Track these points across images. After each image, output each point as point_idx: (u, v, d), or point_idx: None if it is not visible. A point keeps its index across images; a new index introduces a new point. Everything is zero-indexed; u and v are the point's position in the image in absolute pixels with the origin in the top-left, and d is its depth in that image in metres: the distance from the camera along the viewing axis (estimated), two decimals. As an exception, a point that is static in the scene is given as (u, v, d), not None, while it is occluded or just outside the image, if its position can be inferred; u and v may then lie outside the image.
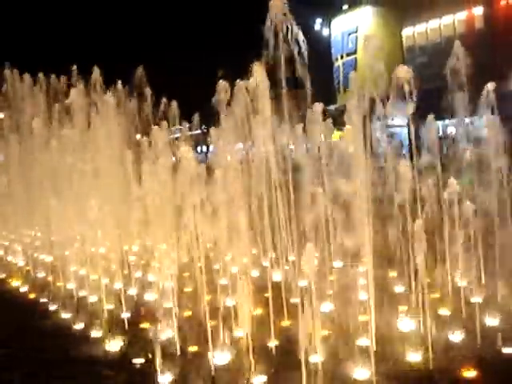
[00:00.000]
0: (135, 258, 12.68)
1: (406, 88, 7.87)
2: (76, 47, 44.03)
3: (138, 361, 7.43)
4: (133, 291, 10.48)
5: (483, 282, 8.64)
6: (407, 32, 42.86)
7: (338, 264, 10.35)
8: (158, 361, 6.85)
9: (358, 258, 7.70)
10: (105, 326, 8.78)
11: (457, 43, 10.15)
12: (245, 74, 9.41)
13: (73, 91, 13.45)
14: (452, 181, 7.98)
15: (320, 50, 46.23)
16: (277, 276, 9.82)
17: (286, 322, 8.02)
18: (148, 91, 16.48)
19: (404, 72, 7.85)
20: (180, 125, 16.44)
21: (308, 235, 10.14)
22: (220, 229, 11.10)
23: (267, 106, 8.93)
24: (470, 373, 6.30)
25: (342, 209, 10.24)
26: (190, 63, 47.67)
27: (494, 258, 8.30)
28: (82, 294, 10.70)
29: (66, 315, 9.66)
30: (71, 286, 11.20)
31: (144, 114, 16.21)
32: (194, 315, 7.96)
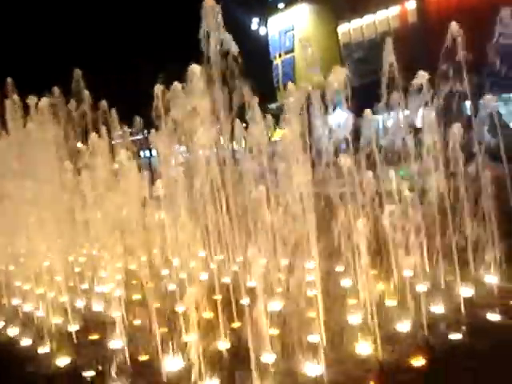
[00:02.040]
0: (81, 269, 12.45)
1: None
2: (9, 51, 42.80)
3: (89, 373, 7.30)
4: (80, 303, 10.26)
5: (427, 270, 8.85)
6: (343, 28, 43.48)
7: (285, 261, 10.41)
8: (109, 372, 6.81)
9: (305, 254, 7.76)
10: (53, 341, 8.58)
11: (390, 38, 10.32)
12: (185, 76, 9.39)
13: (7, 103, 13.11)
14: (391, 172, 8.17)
15: (258, 49, 46.46)
16: (225, 278, 9.82)
17: (236, 324, 8.01)
18: (86, 95, 15.96)
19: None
20: (121, 130, 16.09)
21: (254, 235, 10.18)
22: (167, 233, 11.05)
23: (206, 107, 8.94)
24: (419, 361, 6.44)
25: (287, 206, 10.33)
26: (130, 66, 47.11)
27: (436, 246, 8.49)
28: (27, 309, 10.42)
29: (11, 332, 9.39)
30: (16, 301, 10.90)
31: (83, 120, 15.77)
32: (143, 323, 7.87)
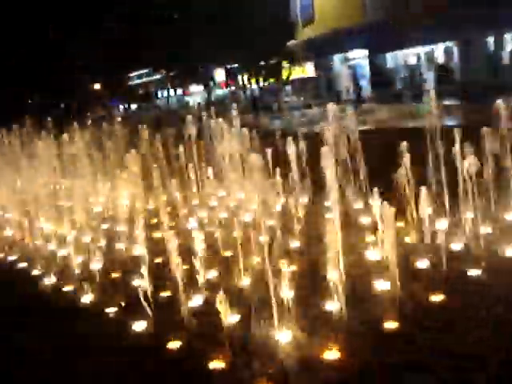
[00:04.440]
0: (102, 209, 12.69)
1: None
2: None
3: (111, 310, 7.46)
4: (102, 242, 10.40)
5: (447, 208, 8.81)
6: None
7: (304, 200, 10.44)
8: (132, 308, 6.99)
9: (324, 193, 7.73)
10: (76, 279, 8.77)
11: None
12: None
13: None
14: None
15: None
16: (246, 216, 9.89)
17: (255, 261, 8.08)
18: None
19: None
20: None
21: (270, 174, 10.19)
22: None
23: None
24: (437, 297, 6.47)
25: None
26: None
27: (457, 184, 8.38)
28: (50, 248, 10.60)
29: (35, 271, 9.57)
30: (39, 242, 11.07)
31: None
32: (165, 261, 7.95)
